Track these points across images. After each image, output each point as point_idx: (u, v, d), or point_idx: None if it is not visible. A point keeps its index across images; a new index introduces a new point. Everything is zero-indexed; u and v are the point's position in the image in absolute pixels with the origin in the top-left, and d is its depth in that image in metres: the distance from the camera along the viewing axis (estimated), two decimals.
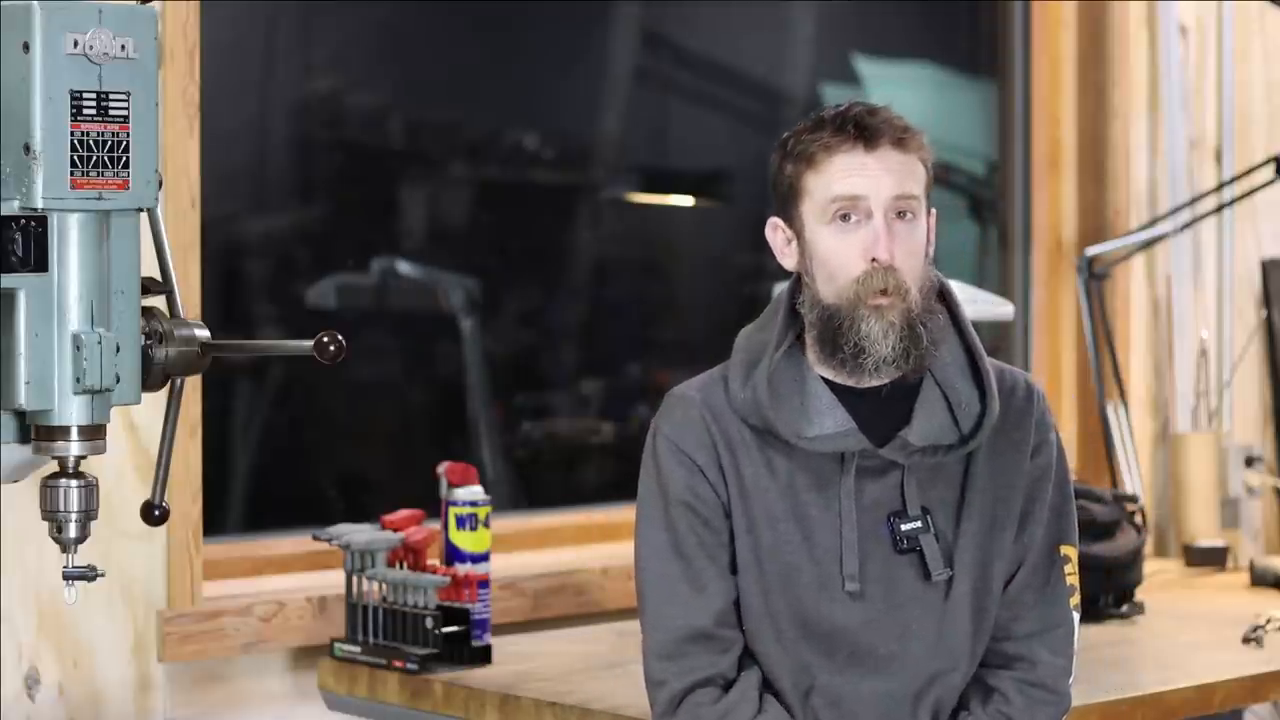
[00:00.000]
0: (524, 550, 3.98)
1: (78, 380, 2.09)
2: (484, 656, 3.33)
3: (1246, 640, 3.52)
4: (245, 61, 4.02)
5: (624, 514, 3.81)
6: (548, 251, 4.41)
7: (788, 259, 2.63)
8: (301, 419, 4.13)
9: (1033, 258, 4.73)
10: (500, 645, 3.38)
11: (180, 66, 3.36)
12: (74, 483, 2.16)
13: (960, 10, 4.89)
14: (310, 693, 3.46)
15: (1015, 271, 4.76)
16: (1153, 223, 4.56)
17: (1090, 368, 4.49)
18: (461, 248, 4.33)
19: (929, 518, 2.60)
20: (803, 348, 2.62)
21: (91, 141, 2.08)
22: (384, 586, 3.35)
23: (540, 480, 4.40)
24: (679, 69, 4.66)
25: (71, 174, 2.07)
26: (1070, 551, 2.68)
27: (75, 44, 2.06)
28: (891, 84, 4.82)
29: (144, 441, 3.27)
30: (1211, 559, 4.38)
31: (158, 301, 2.24)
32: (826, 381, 2.60)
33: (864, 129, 2.55)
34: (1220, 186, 4.58)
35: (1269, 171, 4.36)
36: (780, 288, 2.69)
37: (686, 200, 4.69)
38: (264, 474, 4.00)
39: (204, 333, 2.23)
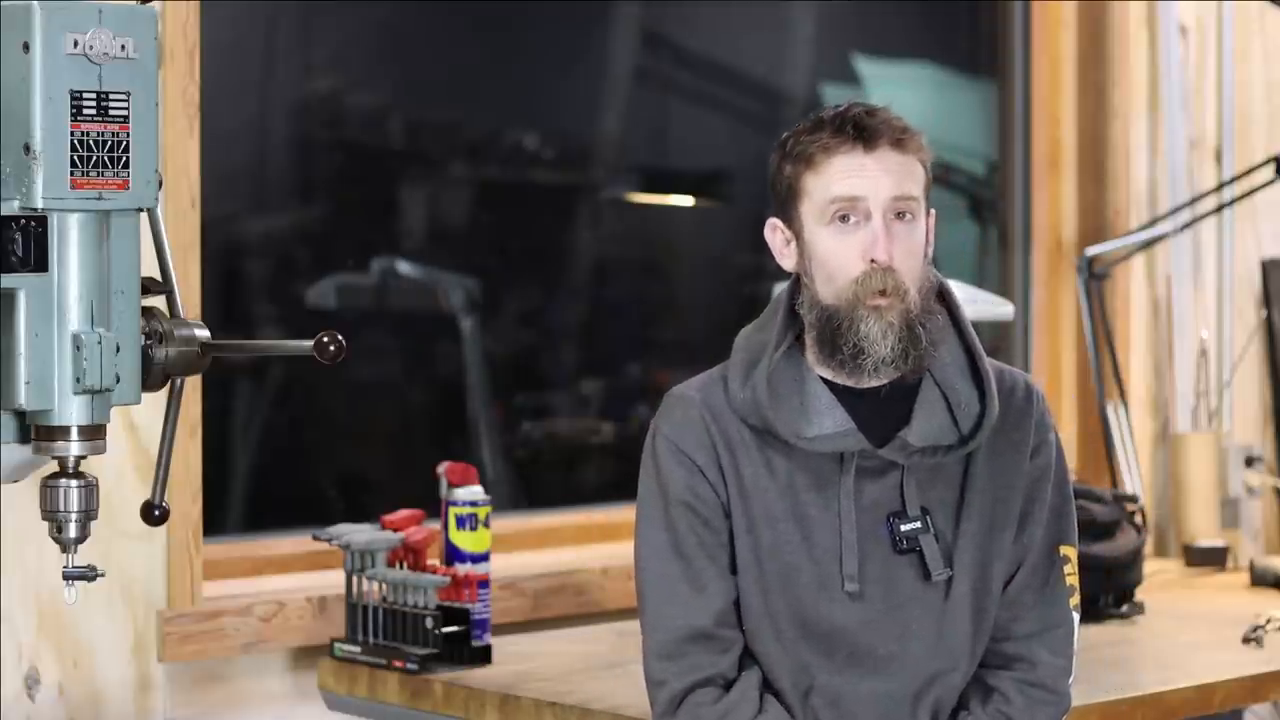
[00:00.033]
0: (524, 550, 3.98)
1: (78, 380, 2.09)
2: (484, 656, 3.33)
3: (1246, 640, 3.52)
4: (245, 61, 4.02)
5: (624, 514, 3.81)
6: (548, 251, 4.41)
7: (787, 260, 2.64)
8: (301, 419, 4.13)
9: (1033, 258, 4.73)
10: (500, 645, 3.38)
11: (180, 66, 3.36)
12: (74, 483, 2.16)
13: (960, 10, 4.89)
14: (310, 693, 3.46)
15: (1015, 271, 4.76)
16: (1153, 223, 4.56)
17: (1090, 368, 4.49)
18: (461, 248, 4.33)
19: (928, 518, 2.60)
20: (802, 348, 2.62)
21: (91, 141, 2.08)
22: (384, 586, 3.35)
23: (540, 480, 4.40)
24: (679, 69, 4.66)
25: (71, 174, 2.07)
26: (1070, 552, 2.68)
27: (75, 44, 2.06)
28: (891, 84, 4.82)
29: (144, 441, 3.27)
30: (1211, 559, 4.38)
31: (158, 301, 2.24)
32: (826, 382, 2.60)
33: (863, 130, 2.55)
34: (1220, 186, 4.58)
35: (1269, 171, 4.36)
36: (780, 288, 2.69)
37: (686, 200, 4.69)
38: (264, 474, 4.00)
39: (204, 333, 2.23)
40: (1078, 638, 2.70)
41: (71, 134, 2.07)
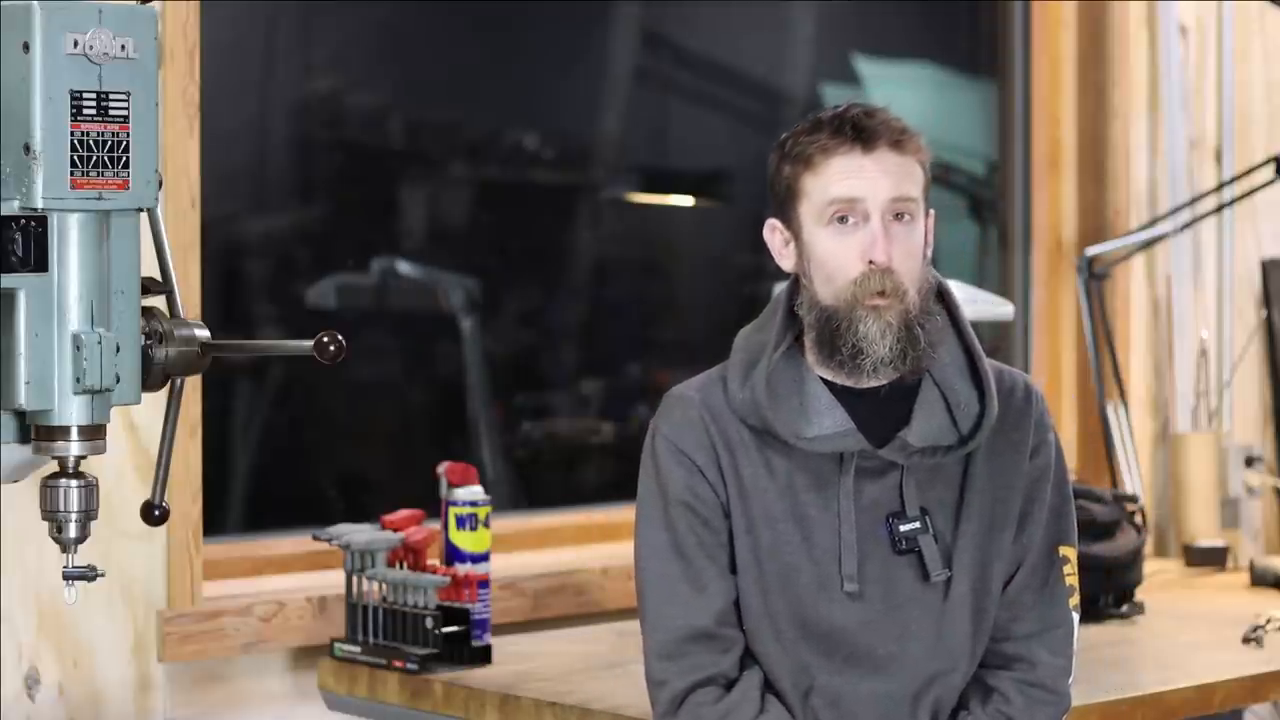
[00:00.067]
0: (524, 550, 3.98)
1: (78, 380, 2.09)
2: (484, 656, 3.33)
3: (1246, 640, 3.52)
4: (245, 61, 4.02)
5: (624, 514, 3.81)
6: (548, 251, 4.41)
7: (785, 260, 2.64)
8: (301, 419, 4.13)
9: (1033, 258, 4.73)
10: (500, 645, 3.38)
11: (180, 66, 3.36)
12: (74, 483, 2.16)
13: (960, 10, 4.89)
14: (310, 693, 3.46)
15: (1015, 271, 4.76)
16: (1153, 223, 4.56)
17: (1090, 368, 4.49)
18: (461, 248, 4.33)
19: (928, 518, 2.61)
20: (801, 348, 2.62)
21: (91, 141, 2.08)
22: (384, 586, 3.35)
23: (540, 480, 4.40)
24: (679, 69, 4.66)
25: (71, 174, 2.07)
26: (1069, 552, 2.68)
27: (75, 44, 2.06)
28: (891, 84, 4.82)
29: (144, 441, 3.27)
30: (1211, 559, 4.38)
31: (158, 301, 2.24)
32: (826, 382, 2.60)
33: (861, 131, 2.55)
34: (1220, 186, 4.58)
35: (1269, 171, 4.36)
36: (779, 288, 2.69)
37: (686, 200, 4.69)
38: (264, 474, 4.00)
39: (204, 333, 2.23)
40: (1077, 638, 2.70)
41: (71, 134, 2.07)
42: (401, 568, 3.35)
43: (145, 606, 3.36)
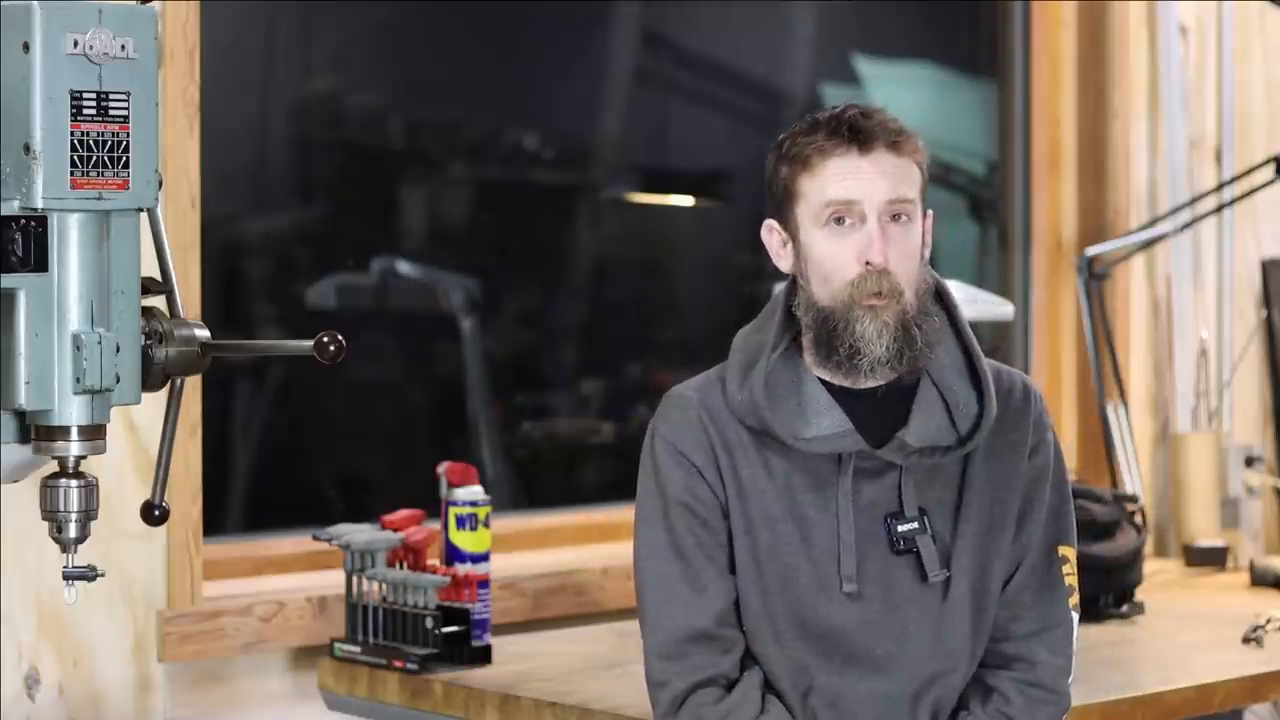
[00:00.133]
0: (524, 550, 3.98)
1: (78, 380, 2.09)
2: (484, 656, 3.33)
3: (1246, 640, 3.52)
4: (245, 61, 4.02)
5: (624, 514, 3.81)
6: (548, 251, 4.41)
7: (783, 261, 2.64)
8: (301, 419, 4.13)
9: (1033, 258, 4.73)
10: (500, 645, 3.38)
11: (180, 66, 3.36)
12: (74, 483, 2.16)
13: (960, 10, 4.89)
14: (310, 693, 3.46)
15: (1015, 271, 4.76)
16: (1153, 223, 4.56)
17: (1090, 368, 4.49)
18: (461, 248, 4.33)
19: (926, 519, 2.60)
20: (800, 349, 2.62)
21: (91, 141, 2.08)
22: (384, 586, 3.35)
23: (540, 480, 4.40)
24: (679, 69, 4.66)
25: (71, 174, 2.07)
26: (1069, 551, 2.68)
27: (75, 44, 2.06)
28: (891, 84, 4.82)
29: (144, 441, 3.27)
30: (1211, 559, 4.38)
31: (158, 301, 2.24)
32: (824, 383, 2.60)
33: (858, 132, 2.55)
34: (1220, 186, 4.58)
35: (1269, 171, 4.36)
36: (779, 288, 2.69)
37: (686, 200, 4.69)
38: (264, 474, 4.00)
39: (204, 333, 2.23)
40: (1077, 637, 2.70)
41: (71, 134, 2.07)
42: (401, 568, 3.35)
43: (145, 606, 3.36)
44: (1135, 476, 4.46)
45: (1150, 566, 4.06)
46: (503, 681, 3.20)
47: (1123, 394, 4.50)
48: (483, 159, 4.34)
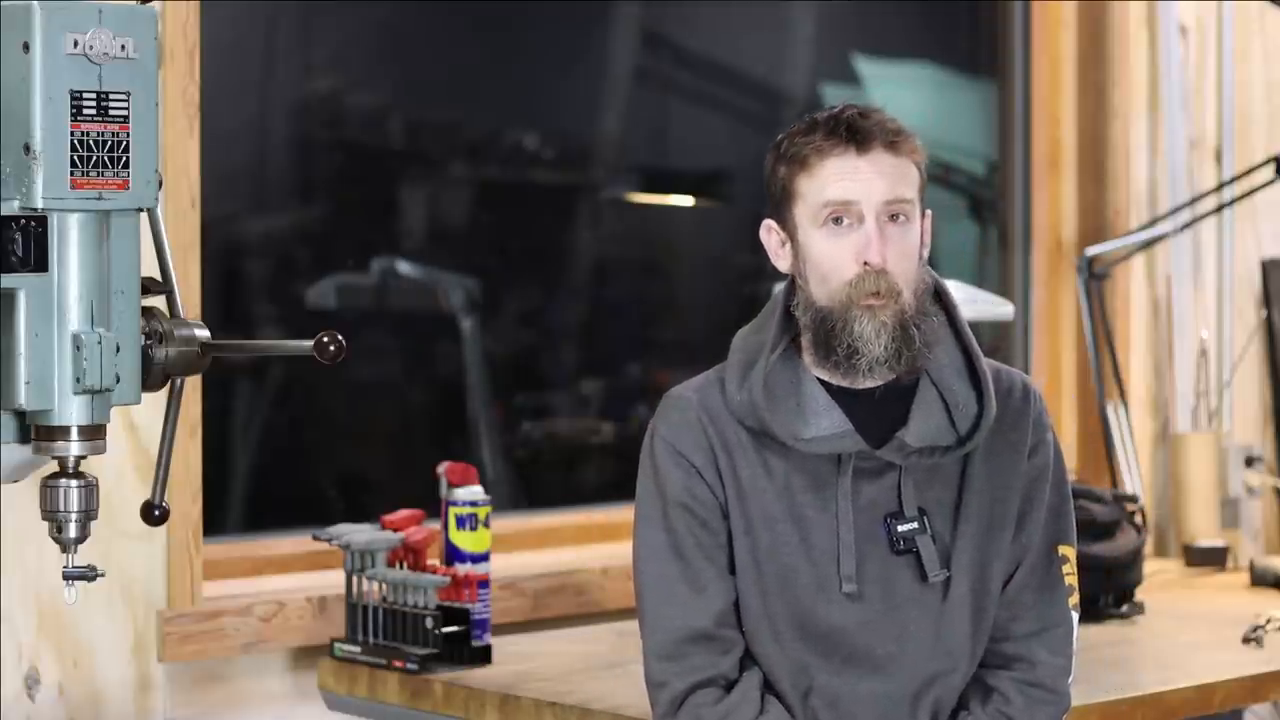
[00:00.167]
0: (524, 550, 3.98)
1: (78, 380, 2.09)
2: (484, 656, 3.33)
3: (1246, 640, 3.52)
4: (245, 61, 4.02)
5: (624, 514, 3.81)
6: (548, 251, 4.41)
7: (782, 261, 2.64)
8: (301, 419, 4.13)
9: (1033, 258, 4.73)
10: (500, 645, 3.38)
11: (180, 66, 3.36)
12: (74, 483, 2.16)
13: (960, 10, 4.89)
14: (310, 693, 3.46)
15: (1015, 271, 4.76)
16: (1153, 223, 4.56)
17: (1090, 368, 4.49)
18: (461, 248, 4.33)
19: (926, 519, 2.60)
20: (799, 349, 2.62)
21: (91, 141, 2.08)
22: (384, 586, 3.35)
23: (540, 480, 4.40)
24: (679, 69, 4.66)
25: (71, 174, 2.07)
26: (1068, 551, 2.68)
27: (75, 44, 2.06)
28: (891, 84, 4.82)
29: (144, 441, 3.27)
30: (1211, 559, 4.38)
31: (158, 301, 2.24)
32: (823, 383, 2.60)
33: (856, 132, 2.55)
34: (1220, 186, 4.58)
35: (1269, 171, 4.36)
36: (779, 288, 2.69)
37: (686, 200, 4.69)
38: (264, 474, 4.00)
39: (204, 333, 2.23)
40: (1077, 637, 2.70)
41: (71, 134, 2.07)
42: (401, 568, 3.35)
43: (145, 606, 3.36)
44: (1135, 476, 4.46)
45: (1150, 566, 4.06)
46: (503, 681, 3.20)
47: (1123, 394, 4.50)
48: (483, 159, 4.34)
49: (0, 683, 3.20)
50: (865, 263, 2.54)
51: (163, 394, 2.25)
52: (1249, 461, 4.74)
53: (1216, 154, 4.79)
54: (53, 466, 2.16)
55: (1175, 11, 4.69)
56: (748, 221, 4.38)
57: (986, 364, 2.64)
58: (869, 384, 2.59)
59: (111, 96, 2.09)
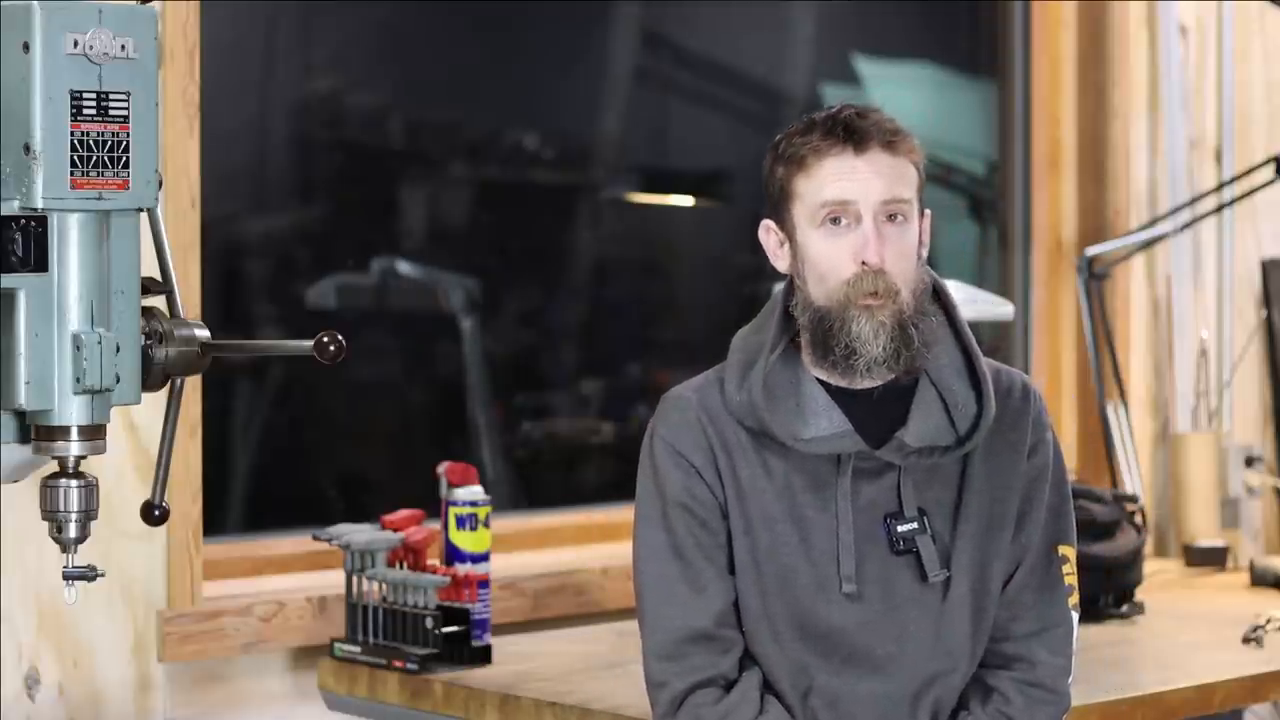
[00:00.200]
0: (524, 550, 3.98)
1: (78, 380, 2.09)
2: (484, 656, 3.33)
3: (1246, 640, 3.52)
4: (245, 61, 4.02)
5: (624, 514, 3.81)
6: (548, 251, 4.41)
7: (780, 261, 2.64)
8: (301, 419, 4.13)
9: (1033, 258, 4.73)
10: (500, 645, 3.38)
11: (180, 66, 3.36)
12: (74, 483, 2.16)
13: (960, 10, 4.89)
14: (310, 693, 3.46)
15: (1015, 271, 4.76)
16: (1153, 223, 4.56)
17: (1090, 368, 4.49)
18: (461, 248, 4.33)
19: (925, 519, 2.60)
20: (798, 349, 2.62)
21: (91, 141, 2.08)
22: (384, 586, 3.35)
23: (540, 480, 4.40)
24: (679, 69, 4.66)
25: (71, 174, 2.07)
26: (1068, 551, 2.68)
27: (75, 44, 2.06)
28: (891, 84, 4.82)
29: (144, 441, 3.27)
30: (1211, 559, 4.38)
31: (158, 301, 2.24)
32: (822, 383, 2.60)
33: (853, 132, 2.55)
34: (1220, 186, 4.58)
35: (1269, 171, 4.36)
36: (779, 289, 2.69)
37: (686, 200, 4.69)
38: (264, 474, 4.00)
39: (204, 333, 2.23)
40: (1077, 637, 2.70)
41: (71, 134, 2.07)
42: (401, 568, 3.35)
43: (145, 606, 3.36)
44: (1135, 476, 4.46)
45: (1150, 566, 4.06)
46: (503, 681, 3.20)
47: (1123, 394, 4.50)
48: (483, 159, 4.34)
49: (0, 683, 3.20)
50: (863, 262, 2.54)
51: (163, 394, 2.25)
52: (1249, 461, 4.74)
53: (1216, 154, 4.79)
54: (53, 466, 2.16)
55: (1175, 11, 4.69)
56: (747, 221, 4.37)
57: (986, 364, 2.64)
58: (868, 384, 2.59)
59: (111, 96, 2.09)
